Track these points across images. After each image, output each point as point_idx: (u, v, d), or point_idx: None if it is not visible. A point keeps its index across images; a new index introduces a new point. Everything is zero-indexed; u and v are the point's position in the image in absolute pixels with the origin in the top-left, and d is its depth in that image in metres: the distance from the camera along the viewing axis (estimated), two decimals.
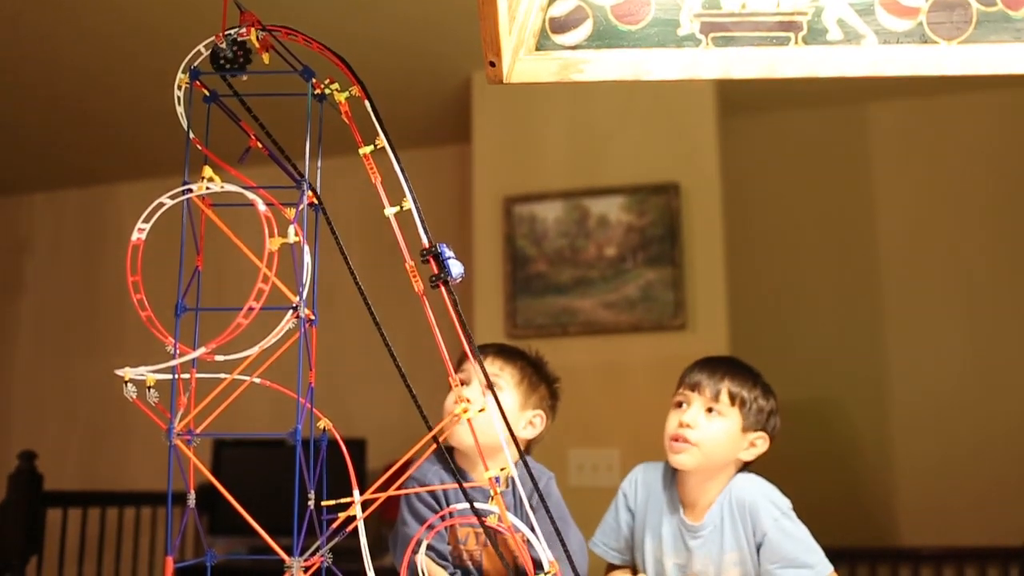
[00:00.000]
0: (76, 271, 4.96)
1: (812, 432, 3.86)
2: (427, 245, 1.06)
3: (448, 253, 1.06)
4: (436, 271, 1.06)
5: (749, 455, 1.79)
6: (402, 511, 1.72)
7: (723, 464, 1.77)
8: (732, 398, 1.77)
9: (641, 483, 1.88)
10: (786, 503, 1.74)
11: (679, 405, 1.80)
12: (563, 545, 1.13)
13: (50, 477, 3.42)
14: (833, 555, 1.74)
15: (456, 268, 1.06)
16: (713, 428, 1.75)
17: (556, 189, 3.59)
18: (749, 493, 1.73)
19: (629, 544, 1.89)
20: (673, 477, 1.85)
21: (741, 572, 1.73)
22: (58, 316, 4.97)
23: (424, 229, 1.06)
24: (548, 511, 1.13)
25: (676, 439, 1.76)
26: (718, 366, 1.82)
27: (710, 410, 1.76)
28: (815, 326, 3.99)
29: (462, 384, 1.70)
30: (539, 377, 1.83)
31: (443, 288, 1.05)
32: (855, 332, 3.96)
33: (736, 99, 3.82)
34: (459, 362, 1.72)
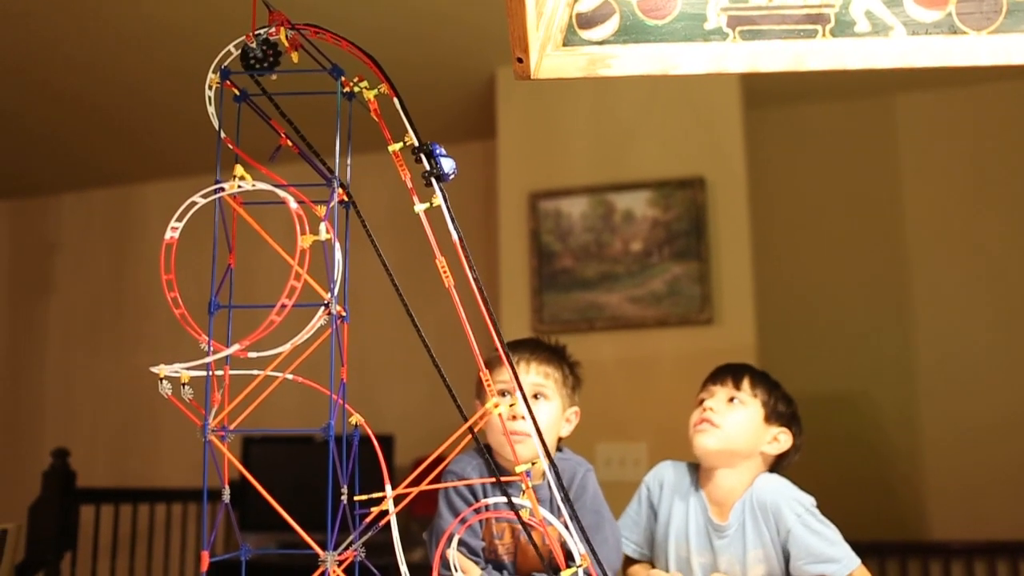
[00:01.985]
0: (104, 270, 5.01)
1: (840, 425, 3.84)
2: (416, 143, 1.07)
3: (440, 150, 1.07)
4: (428, 167, 1.07)
5: (772, 449, 1.82)
6: (440, 505, 1.72)
7: (745, 453, 1.80)
8: (753, 388, 1.82)
9: (666, 482, 1.90)
10: (809, 500, 1.75)
11: (702, 402, 1.84)
12: (588, 542, 1.13)
13: (83, 474, 3.46)
14: (862, 549, 1.74)
15: (448, 164, 1.07)
16: (735, 415, 1.80)
17: (581, 184, 3.59)
18: (770, 493, 1.75)
19: (649, 539, 1.90)
20: (698, 477, 1.87)
21: (766, 569, 1.74)
22: (87, 315, 5.02)
23: (413, 128, 1.06)
24: (574, 510, 1.13)
25: (700, 422, 1.81)
26: (740, 365, 1.88)
27: (732, 400, 1.81)
28: (842, 319, 3.97)
29: (502, 395, 1.69)
30: (573, 373, 1.83)
31: (435, 183, 1.06)
32: (883, 325, 3.94)
33: (761, 92, 3.80)
34: (492, 362, 1.65)
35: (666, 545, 1.85)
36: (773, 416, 1.82)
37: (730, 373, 1.85)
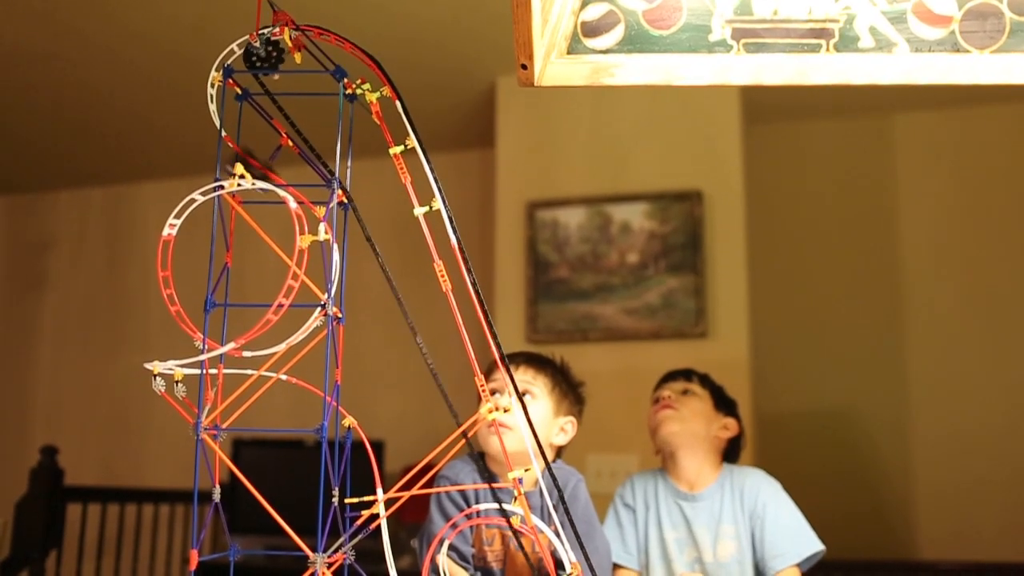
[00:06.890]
0: (99, 268, 5.00)
1: (832, 443, 3.84)
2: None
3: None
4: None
5: (724, 434, 2.05)
6: (431, 509, 1.72)
7: (703, 436, 2.01)
8: (702, 383, 2.08)
9: (635, 483, 2.07)
10: (778, 483, 2.00)
11: (658, 400, 2.05)
12: (583, 548, 1.12)
13: (71, 472, 3.45)
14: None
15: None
16: (691, 402, 2.03)
17: (579, 195, 3.59)
18: (750, 474, 2.00)
19: (636, 541, 2.02)
20: (665, 470, 2.06)
21: (735, 547, 1.91)
22: (81, 312, 5.01)
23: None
24: (571, 518, 1.13)
25: (660, 408, 2.01)
26: (685, 368, 2.13)
27: (685, 391, 2.05)
28: (837, 336, 3.97)
29: (494, 393, 1.71)
30: (568, 384, 1.87)
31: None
32: (877, 342, 3.94)
33: (761, 107, 3.81)
34: (489, 370, 1.74)
35: (648, 534, 2.00)
36: (721, 405, 2.07)
37: (680, 373, 2.10)
